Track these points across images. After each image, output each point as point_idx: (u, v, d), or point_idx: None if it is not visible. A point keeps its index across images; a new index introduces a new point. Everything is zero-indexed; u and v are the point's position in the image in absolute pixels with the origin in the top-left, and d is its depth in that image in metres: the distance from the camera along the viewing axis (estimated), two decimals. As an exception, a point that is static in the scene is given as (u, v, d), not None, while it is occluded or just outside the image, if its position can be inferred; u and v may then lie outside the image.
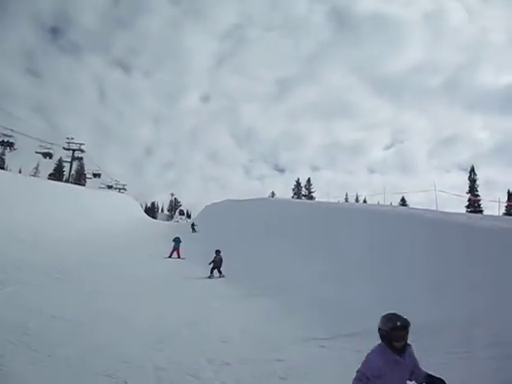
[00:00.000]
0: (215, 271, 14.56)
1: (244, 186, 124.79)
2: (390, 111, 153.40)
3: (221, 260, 14.77)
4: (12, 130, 32.56)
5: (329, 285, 11.27)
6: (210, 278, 14.19)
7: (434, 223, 12.69)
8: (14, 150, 34.07)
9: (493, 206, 56.10)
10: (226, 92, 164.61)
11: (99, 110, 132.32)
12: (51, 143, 41.97)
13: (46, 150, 41.64)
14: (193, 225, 33.42)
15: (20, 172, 49.01)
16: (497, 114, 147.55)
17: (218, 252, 14.98)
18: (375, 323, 3.12)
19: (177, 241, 19.71)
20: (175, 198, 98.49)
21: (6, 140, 32.60)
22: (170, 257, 18.99)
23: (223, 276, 14.41)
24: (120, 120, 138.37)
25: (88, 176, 58.16)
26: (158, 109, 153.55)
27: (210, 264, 14.61)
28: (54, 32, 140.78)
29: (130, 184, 63.97)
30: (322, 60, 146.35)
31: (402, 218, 14.83)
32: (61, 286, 10.18)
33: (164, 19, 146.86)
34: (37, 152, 41.41)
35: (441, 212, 15.60)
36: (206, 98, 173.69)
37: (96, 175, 54.58)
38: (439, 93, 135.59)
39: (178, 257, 19.21)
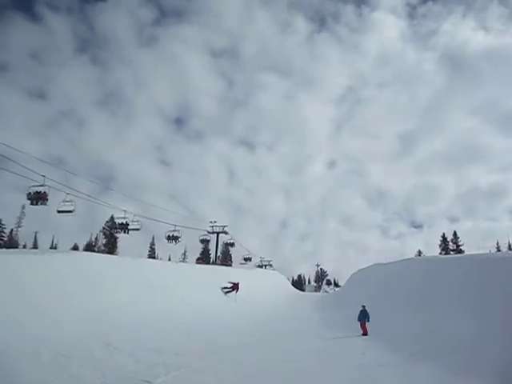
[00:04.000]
0: None
1: (382, 246, 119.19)
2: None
3: None
4: (175, 225, 36.22)
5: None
6: None
7: None
8: (179, 242, 37.35)
9: None
10: (349, 155, 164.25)
11: (230, 189, 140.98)
12: (207, 231, 44.86)
13: (204, 237, 44.89)
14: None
15: (169, 259, 53.75)
16: None
17: None
18: None
19: (364, 314, 16.73)
20: (321, 269, 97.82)
21: (171, 235, 36.11)
22: (365, 334, 16.20)
23: None
24: (251, 196, 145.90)
25: (231, 253, 60.35)
26: (286, 181, 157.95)
27: None
28: (178, 122, 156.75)
29: (271, 258, 64.91)
30: (440, 107, 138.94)
31: None
32: (219, 370, 10.26)
33: (278, 93, 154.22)
34: (201, 241, 44.63)
35: None
36: (331, 164, 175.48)
37: (247, 259, 56.63)
38: None
39: (364, 333, 16.31)
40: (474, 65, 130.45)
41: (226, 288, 28.46)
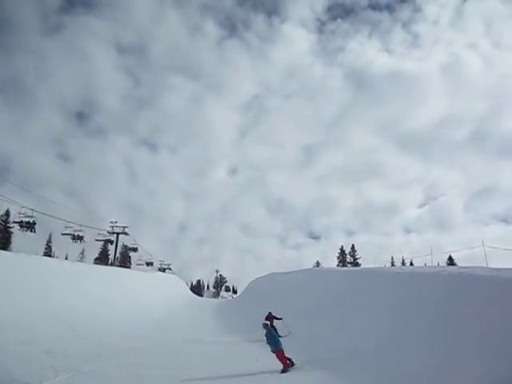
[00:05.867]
0: None
1: (280, 255, 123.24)
2: (419, 167, 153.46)
3: None
4: (80, 225, 35.39)
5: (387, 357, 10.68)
6: None
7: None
8: (84, 242, 36.89)
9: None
10: (252, 163, 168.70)
11: (130, 189, 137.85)
12: (107, 231, 43.62)
13: (107, 237, 43.62)
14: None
15: (66, 258, 51.12)
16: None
17: None
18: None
19: (272, 337, 11.26)
20: (220, 275, 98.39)
21: (76, 234, 34.97)
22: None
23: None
24: (152, 198, 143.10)
25: (130, 254, 58.92)
26: (188, 184, 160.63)
27: None
28: (81, 117, 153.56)
29: (170, 261, 64.17)
30: (344, 122, 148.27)
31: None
32: (110, 373, 10.06)
33: (185, 96, 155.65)
34: (98, 240, 43.21)
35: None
36: (233, 171, 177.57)
37: (149, 264, 55.77)
38: (467, 144, 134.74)
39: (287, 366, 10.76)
40: (377, 84, 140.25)
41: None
